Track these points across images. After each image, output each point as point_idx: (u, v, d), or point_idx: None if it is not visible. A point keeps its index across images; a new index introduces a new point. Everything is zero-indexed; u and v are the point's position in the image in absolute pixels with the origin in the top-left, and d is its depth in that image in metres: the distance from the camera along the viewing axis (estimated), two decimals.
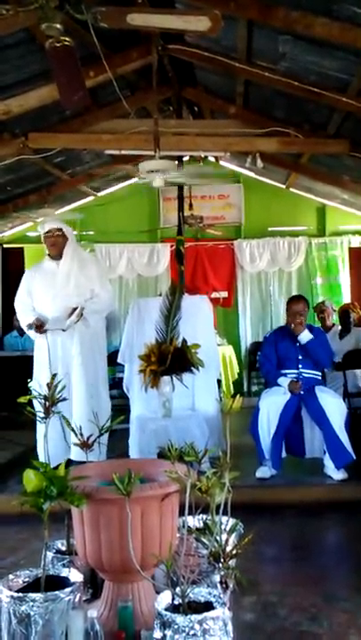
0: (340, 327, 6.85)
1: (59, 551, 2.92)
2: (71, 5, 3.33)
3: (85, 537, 2.53)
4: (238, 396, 2.71)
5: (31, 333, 4.87)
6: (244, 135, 6.24)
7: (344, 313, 6.94)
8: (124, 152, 6.55)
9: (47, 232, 4.88)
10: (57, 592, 2.32)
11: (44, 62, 4.51)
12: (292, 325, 4.94)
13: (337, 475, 4.61)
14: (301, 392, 4.73)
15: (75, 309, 4.77)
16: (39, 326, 4.75)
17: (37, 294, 4.91)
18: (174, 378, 5.04)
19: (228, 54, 5.19)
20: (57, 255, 4.89)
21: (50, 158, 6.81)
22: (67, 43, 3.43)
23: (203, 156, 7.77)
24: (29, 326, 4.80)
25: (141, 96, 6.48)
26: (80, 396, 4.74)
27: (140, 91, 6.43)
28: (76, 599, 2.60)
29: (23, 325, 5.01)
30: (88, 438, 2.93)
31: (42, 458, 3.97)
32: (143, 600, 2.50)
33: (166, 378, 5.05)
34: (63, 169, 7.72)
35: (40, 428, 4.59)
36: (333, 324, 6.98)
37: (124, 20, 3.37)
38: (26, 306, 4.94)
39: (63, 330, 4.78)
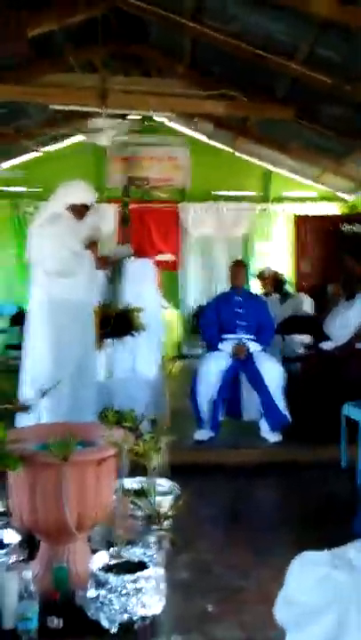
0: (278, 295, 6.97)
1: None
2: None
3: (22, 499, 2.53)
4: (177, 361, 2.75)
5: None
6: (191, 96, 6.16)
7: (276, 281, 7.05)
8: (70, 108, 6.36)
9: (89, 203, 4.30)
10: None
11: None
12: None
13: (272, 437, 4.75)
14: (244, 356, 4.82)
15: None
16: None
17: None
18: (116, 340, 5.05)
19: (176, 10, 5.07)
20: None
21: None
22: None
23: (150, 115, 7.64)
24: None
25: (87, 50, 6.29)
26: None
27: (86, 44, 6.22)
28: (12, 560, 2.63)
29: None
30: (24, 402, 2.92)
31: None
32: (79, 561, 2.54)
33: (109, 340, 5.05)
34: (6, 122, 7.44)
35: None
36: (272, 291, 7.09)
37: None
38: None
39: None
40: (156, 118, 8.44)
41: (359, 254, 6.34)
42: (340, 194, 9.14)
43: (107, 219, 9.07)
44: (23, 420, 3.20)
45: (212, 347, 5.10)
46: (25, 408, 2.88)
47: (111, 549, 2.39)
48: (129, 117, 7.24)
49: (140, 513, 2.58)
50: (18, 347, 7.56)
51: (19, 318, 7.40)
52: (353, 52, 4.46)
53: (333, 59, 4.76)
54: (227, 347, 4.89)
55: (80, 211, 4.20)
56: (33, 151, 8.98)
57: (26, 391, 3.57)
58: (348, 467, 4.25)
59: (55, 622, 2.30)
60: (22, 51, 4.37)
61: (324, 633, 1.47)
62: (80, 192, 4.22)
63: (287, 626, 1.60)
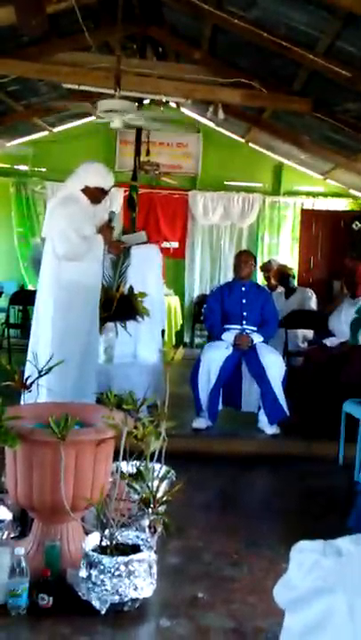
0: (283, 289, 6.94)
1: None
2: None
3: (17, 476, 2.52)
4: (180, 347, 2.72)
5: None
6: (207, 83, 6.09)
7: (282, 274, 7.01)
8: (82, 87, 6.29)
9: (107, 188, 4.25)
10: None
11: None
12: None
13: (270, 429, 4.74)
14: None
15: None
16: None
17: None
18: (118, 325, 5.03)
19: None
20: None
21: (2, 85, 6.48)
22: None
23: (164, 100, 7.56)
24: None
25: (105, 30, 6.22)
26: None
27: (103, 24, 6.16)
28: (4, 536, 2.62)
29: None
30: (26, 379, 2.90)
31: None
32: (72, 540, 2.53)
33: (110, 324, 5.03)
34: (17, 99, 7.38)
35: None
36: (277, 285, 7.06)
37: None
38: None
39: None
40: (171, 104, 8.36)
41: None
42: (351, 191, 9.09)
43: (115, 203, 9.04)
44: (31, 400, 3.18)
45: (214, 336, 5.08)
46: (27, 386, 2.86)
47: (105, 531, 2.38)
48: (144, 102, 7.17)
49: (135, 496, 2.57)
50: (18, 326, 7.61)
51: (19, 297, 7.37)
52: None
53: (353, 53, 4.71)
54: (229, 337, 4.87)
55: (96, 194, 4.15)
56: (42, 130, 8.91)
57: (31, 371, 3.55)
58: (344, 464, 4.24)
59: (45, 600, 2.30)
60: (40, 27, 4.30)
61: (314, 616, 1.53)
62: (99, 176, 4.15)
63: (286, 607, 1.69)
